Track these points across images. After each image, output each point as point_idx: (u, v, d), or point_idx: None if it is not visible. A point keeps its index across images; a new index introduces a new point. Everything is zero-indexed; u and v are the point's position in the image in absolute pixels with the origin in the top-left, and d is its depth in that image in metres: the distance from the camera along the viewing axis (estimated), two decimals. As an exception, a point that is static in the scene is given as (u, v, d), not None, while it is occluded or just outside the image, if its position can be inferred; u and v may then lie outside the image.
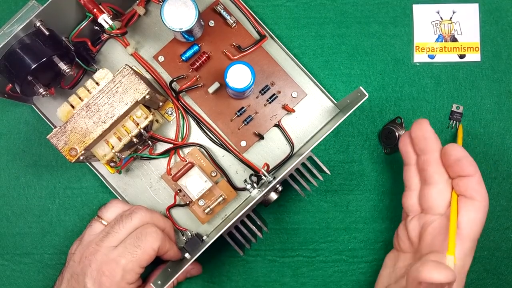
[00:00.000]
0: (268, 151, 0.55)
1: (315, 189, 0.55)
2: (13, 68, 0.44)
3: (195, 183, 0.52)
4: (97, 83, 0.46)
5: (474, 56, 0.56)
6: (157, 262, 0.51)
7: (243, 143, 0.55)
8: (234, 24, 0.54)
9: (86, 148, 0.45)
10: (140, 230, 0.46)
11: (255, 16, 0.55)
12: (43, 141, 0.56)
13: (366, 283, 0.56)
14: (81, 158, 0.45)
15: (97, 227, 0.48)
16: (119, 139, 0.47)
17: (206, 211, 0.53)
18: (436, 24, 0.57)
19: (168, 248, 0.48)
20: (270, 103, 0.55)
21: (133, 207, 0.49)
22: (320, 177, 0.50)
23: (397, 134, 0.54)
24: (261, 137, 0.54)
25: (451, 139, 0.56)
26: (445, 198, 0.44)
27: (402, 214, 0.50)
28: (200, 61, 0.54)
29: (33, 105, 0.54)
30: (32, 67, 0.44)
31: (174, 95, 0.54)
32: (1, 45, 0.43)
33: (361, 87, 0.44)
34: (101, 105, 0.45)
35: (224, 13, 0.54)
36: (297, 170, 0.50)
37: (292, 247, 0.56)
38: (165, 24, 0.48)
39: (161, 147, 0.55)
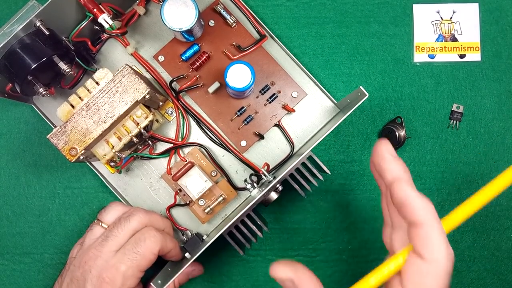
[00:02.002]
0: (268, 150, 0.55)
1: (315, 189, 0.55)
2: (13, 67, 0.44)
3: (195, 183, 0.52)
4: (97, 83, 0.46)
5: (474, 56, 0.56)
6: (159, 263, 0.51)
7: (243, 143, 0.55)
8: (234, 24, 0.54)
9: (86, 148, 0.45)
10: (139, 235, 0.46)
11: (255, 16, 0.55)
12: (43, 140, 0.56)
13: (366, 283, 0.56)
14: (81, 157, 0.45)
15: (97, 231, 0.48)
16: (119, 138, 0.47)
17: (206, 210, 0.53)
18: (436, 24, 0.57)
19: (169, 247, 0.48)
20: (270, 102, 0.55)
21: (131, 209, 0.49)
22: (320, 177, 0.50)
23: (397, 134, 0.54)
24: (261, 136, 0.54)
25: (451, 139, 0.56)
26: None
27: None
28: (200, 61, 0.54)
29: (33, 105, 0.54)
30: (32, 67, 0.44)
31: (174, 95, 0.54)
32: (1, 45, 0.43)
33: (361, 87, 0.44)
34: (101, 104, 0.45)
35: (224, 13, 0.54)
36: (297, 169, 0.50)
37: (292, 246, 0.56)
38: (165, 24, 0.48)
39: (161, 146, 0.55)
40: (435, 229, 0.30)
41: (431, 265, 0.30)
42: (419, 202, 0.31)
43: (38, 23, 0.44)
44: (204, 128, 0.55)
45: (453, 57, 0.57)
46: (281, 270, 0.35)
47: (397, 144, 0.55)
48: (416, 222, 0.31)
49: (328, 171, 0.51)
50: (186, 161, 0.53)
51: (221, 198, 0.53)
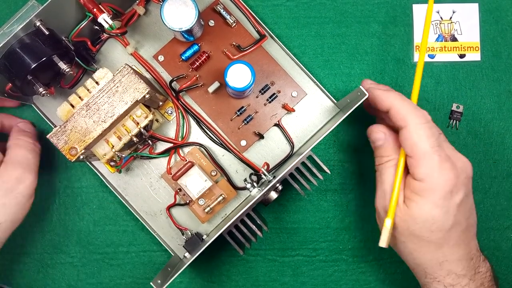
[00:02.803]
0: (268, 150, 0.55)
1: (315, 188, 0.55)
2: (13, 67, 0.44)
3: (195, 182, 0.52)
4: (97, 83, 0.46)
5: (474, 56, 0.56)
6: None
7: (243, 143, 0.55)
8: (234, 24, 0.54)
9: (86, 147, 0.45)
10: None
11: (255, 16, 0.55)
12: (43, 140, 0.56)
13: (366, 283, 0.56)
14: (81, 157, 0.45)
15: None
16: (119, 138, 0.47)
17: (206, 210, 0.53)
18: (436, 24, 0.57)
19: None
20: (270, 102, 0.55)
21: None
22: (320, 176, 0.50)
23: None
24: (261, 136, 0.54)
25: (451, 139, 0.56)
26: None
27: None
28: (200, 61, 0.54)
29: (33, 105, 0.55)
30: (32, 67, 0.44)
31: (174, 95, 0.54)
32: (1, 45, 0.43)
33: (361, 87, 0.44)
34: (101, 104, 0.45)
35: (224, 13, 0.54)
36: (297, 169, 0.50)
37: (292, 246, 0.56)
38: (165, 24, 0.48)
39: (161, 146, 0.55)
40: (404, 106, 0.43)
41: (410, 126, 0.42)
42: (400, 103, 0.44)
43: (38, 23, 0.44)
44: (204, 127, 0.55)
45: (453, 57, 0.57)
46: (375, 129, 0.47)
47: None
48: (401, 124, 0.43)
49: (328, 171, 0.51)
50: (186, 160, 0.53)
51: (221, 197, 0.53)
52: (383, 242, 0.44)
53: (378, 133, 0.46)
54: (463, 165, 0.44)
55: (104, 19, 0.47)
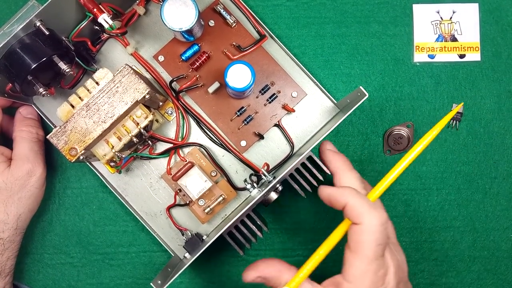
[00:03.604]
0: (268, 150, 0.55)
1: (315, 189, 0.55)
2: (13, 67, 0.44)
3: (195, 183, 0.51)
4: (97, 83, 0.46)
5: (474, 56, 0.56)
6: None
7: (243, 143, 0.55)
8: (234, 24, 0.54)
9: (86, 148, 0.45)
10: None
11: (255, 16, 0.55)
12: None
13: (366, 283, 0.56)
14: (81, 157, 0.45)
15: None
16: (119, 138, 0.47)
17: (206, 210, 0.53)
18: (436, 24, 0.57)
19: None
20: (270, 102, 0.55)
21: None
22: (320, 177, 0.50)
23: (408, 140, 0.55)
24: (261, 136, 0.54)
25: (451, 139, 0.56)
26: None
27: None
28: (200, 61, 0.54)
29: (33, 105, 0.54)
30: (32, 67, 0.44)
31: (174, 95, 0.54)
32: (1, 45, 0.43)
33: (361, 87, 0.44)
34: (101, 104, 0.45)
35: (224, 13, 0.54)
36: (297, 170, 0.50)
37: (292, 246, 0.56)
38: (165, 24, 0.48)
39: (161, 146, 0.55)
40: (359, 204, 0.39)
41: (363, 226, 0.38)
42: (342, 192, 0.40)
43: (38, 23, 0.44)
44: (204, 128, 0.55)
45: (453, 57, 0.57)
46: (247, 275, 0.42)
47: (406, 149, 0.55)
48: (341, 206, 0.40)
49: (328, 171, 0.51)
50: (186, 161, 0.53)
51: (221, 198, 0.53)
52: None
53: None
54: (397, 266, 0.41)
55: (104, 19, 0.47)
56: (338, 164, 0.44)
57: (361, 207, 0.39)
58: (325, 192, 0.42)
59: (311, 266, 0.40)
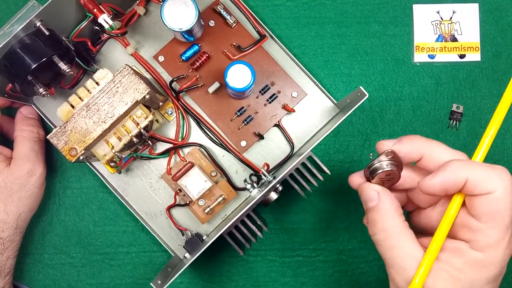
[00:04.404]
0: (268, 151, 0.55)
1: (315, 189, 0.55)
2: (13, 68, 0.44)
3: (195, 183, 0.52)
4: (97, 83, 0.46)
5: (474, 56, 0.56)
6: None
7: (243, 143, 0.55)
8: (234, 24, 0.54)
9: (86, 148, 0.45)
10: None
11: (255, 16, 0.55)
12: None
13: (366, 283, 0.56)
14: (81, 158, 0.45)
15: None
16: (119, 139, 0.47)
17: (206, 211, 0.53)
18: (436, 24, 0.57)
19: None
20: (270, 103, 0.55)
21: None
22: (320, 177, 0.50)
23: (398, 172, 0.38)
24: (261, 137, 0.54)
25: (451, 139, 0.56)
26: None
27: None
28: (200, 61, 0.54)
29: (33, 105, 0.54)
30: (32, 67, 0.44)
31: (174, 95, 0.54)
32: (1, 45, 0.43)
33: (361, 87, 0.44)
34: (101, 105, 0.45)
35: (224, 13, 0.54)
36: (297, 170, 0.50)
37: (292, 247, 0.56)
38: (165, 24, 0.48)
39: (161, 147, 0.55)
40: (483, 172, 0.34)
41: (497, 193, 0.33)
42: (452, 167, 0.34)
43: (38, 23, 0.44)
44: (204, 128, 0.55)
45: (453, 57, 0.57)
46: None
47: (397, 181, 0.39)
48: (463, 182, 0.34)
49: (328, 171, 0.51)
50: (186, 161, 0.53)
51: (221, 198, 0.53)
52: None
53: (371, 191, 0.37)
54: None
55: (104, 19, 0.47)
56: (423, 142, 0.37)
57: (486, 175, 0.34)
58: (436, 183, 0.35)
59: (431, 259, 0.35)
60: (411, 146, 0.37)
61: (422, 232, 0.39)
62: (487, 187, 0.33)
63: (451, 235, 0.36)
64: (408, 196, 0.41)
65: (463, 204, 0.36)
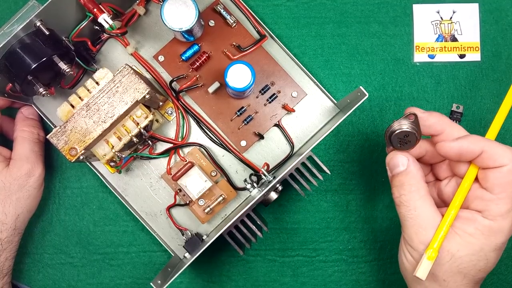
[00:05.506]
0: (268, 150, 0.55)
1: (315, 189, 0.55)
2: (13, 67, 0.44)
3: (195, 183, 0.52)
4: (97, 83, 0.46)
5: (474, 56, 0.56)
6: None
7: (243, 143, 0.55)
8: (234, 24, 0.54)
9: (86, 148, 0.45)
10: None
11: (255, 16, 0.55)
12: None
13: (366, 283, 0.56)
14: (81, 157, 0.45)
15: None
16: (119, 138, 0.47)
17: (206, 210, 0.53)
18: (436, 24, 0.57)
19: None
20: (270, 102, 0.55)
21: None
22: (320, 177, 0.50)
23: (416, 135, 0.42)
24: (261, 136, 0.54)
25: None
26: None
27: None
28: (200, 61, 0.54)
29: (33, 105, 0.54)
30: (32, 67, 0.44)
31: (174, 95, 0.54)
32: (1, 45, 0.43)
33: (361, 87, 0.44)
34: (101, 104, 0.45)
35: (224, 13, 0.54)
36: (297, 169, 0.50)
37: (292, 246, 0.56)
38: (165, 24, 0.48)
39: (161, 146, 0.55)
40: (497, 147, 0.39)
41: (509, 166, 0.38)
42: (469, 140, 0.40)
43: (38, 23, 0.44)
44: (204, 128, 0.55)
45: (453, 57, 0.57)
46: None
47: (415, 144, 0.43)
48: (479, 152, 0.39)
49: (328, 171, 0.51)
50: (186, 161, 0.53)
51: (221, 198, 0.53)
52: (422, 274, 0.39)
53: (401, 158, 0.41)
54: None
55: (104, 19, 0.47)
56: (447, 120, 0.42)
57: (501, 149, 0.38)
58: (454, 146, 0.40)
59: (449, 223, 0.39)
60: (438, 119, 0.42)
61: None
62: (501, 160, 0.38)
63: (464, 207, 0.40)
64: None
65: (475, 179, 0.40)
